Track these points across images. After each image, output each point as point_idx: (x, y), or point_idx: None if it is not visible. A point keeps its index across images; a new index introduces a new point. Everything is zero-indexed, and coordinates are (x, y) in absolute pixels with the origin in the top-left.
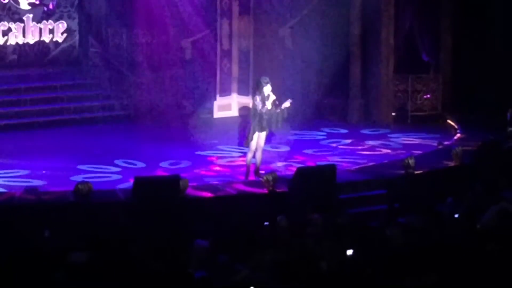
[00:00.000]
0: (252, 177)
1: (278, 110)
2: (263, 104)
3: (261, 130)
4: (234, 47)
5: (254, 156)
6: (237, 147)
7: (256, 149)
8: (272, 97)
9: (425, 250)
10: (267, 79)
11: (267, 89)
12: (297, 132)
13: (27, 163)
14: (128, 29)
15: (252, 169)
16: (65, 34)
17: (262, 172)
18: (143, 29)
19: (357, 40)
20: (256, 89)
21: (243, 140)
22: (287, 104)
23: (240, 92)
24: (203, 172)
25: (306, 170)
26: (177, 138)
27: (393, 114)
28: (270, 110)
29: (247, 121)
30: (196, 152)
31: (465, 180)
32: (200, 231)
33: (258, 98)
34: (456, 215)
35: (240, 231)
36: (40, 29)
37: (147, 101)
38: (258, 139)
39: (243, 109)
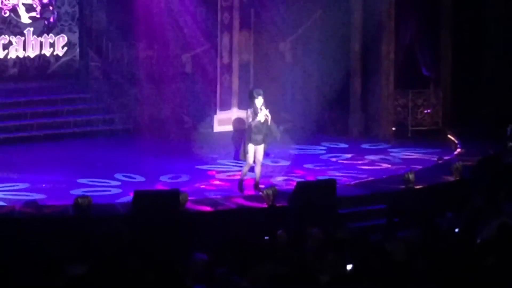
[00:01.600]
0: (250, 191)
1: (270, 124)
2: (254, 116)
3: (256, 143)
4: (234, 61)
5: (252, 170)
6: (236, 161)
7: (254, 163)
8: (265, 110)
9: (425, 264)
10: (260, 92)
11: (259, 101)
12: (297, 146)
13: (27, 177)
14: (129, 43)
15: (251, 183)
16: (65, 48)
17: (262, 186)
18: (144, 43)
19: (357, 55)
20: (250, 101)
21: (238, 153)
22: (279, 131)
23: (241, 107)
24: (202, 186)
25: (306, 185)
26: (177, 152)
27: (393, 128)
28: (262, 123)
29: (241, 134)
30: (196, 166)
31: (465, 195)
32: (199, 245)
33: (249, 111)
34: (456, 230)
35: (239, 245)
36: (41, 43)
37: (147, 115)
38: (256, 153)
39: (236, 122)
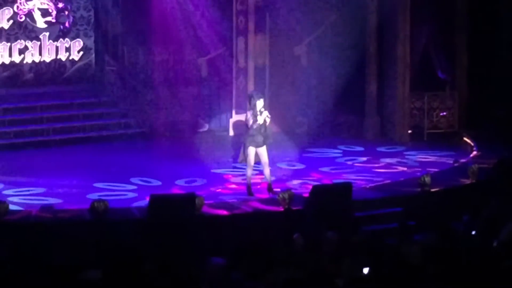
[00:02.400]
0: (264, 195)
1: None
2: (255, 119)
3: (256, 145)
4: (250, 65)
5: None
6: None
7: (262, 165)
8: (265, 113)
9: (441, 268)
10: (260, 94)
11: (260, 104)
12: (313, 149)
13: (43, 181)
14: (144, 47)
15: (263, 186)
16: (81, 52)
17: (278, 190)
18: (159, 47)
19: (373, 58)
20: (249, 104)
21: (237, 157)
22: (271, 137)
23: None
24: (218, 190)
25: (322, 188)
26: (192, 156)
27: (409, 131)
28: (261, 125)
29: (240, 137)
30: (211, 170)
31: (481, 198)
32: (215, 249)
33: (249, 113)
34: (473, 233)
35: (255, 249)
36: (57, 47)
37: (163, 119)
38: (260, 155)
39: (235, 125)
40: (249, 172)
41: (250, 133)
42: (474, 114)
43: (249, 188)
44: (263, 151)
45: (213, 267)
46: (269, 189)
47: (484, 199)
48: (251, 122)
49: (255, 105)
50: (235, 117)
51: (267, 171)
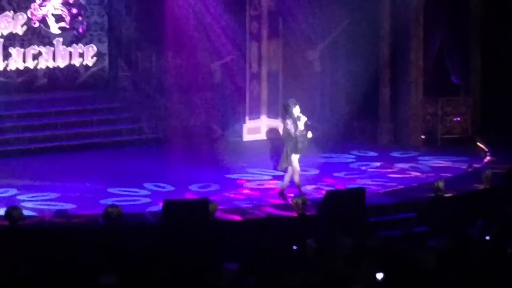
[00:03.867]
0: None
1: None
2: (296, 126)
3: (296, 152)
4: (263, 70)
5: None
6: (266, 170)
7: (289, 170)
8: (303, 118)
9: (456, 272)
10: (294, 100)
11: (297, 110)
12: (326, 155)
13: (57, 186)
14: (158, 52)
15: (295, 191)
16: (95, 58)
17: (291, 195)
18: (173, 52)
19: (386, 63)
20: (285, 113)
21: (277, 164)
22: (309, 134)
23: (270, 115)
24: (232, 195)
25: (335, 193)
26: (206, 161)
27: (423, 136)
28: (303, 131)
29: (277, 144)
30: (225, 175)
31: (496, 203)
32: (229, 254)
33: (289, 121)
34: (487, 238)
35: (269, 254)
36: (70, 53)
37: (176, 124)
38: (294, 161)
39: (272, 132)
40: (297, 178)
41: (294, 141)
42: (488, 119)
43: (299, 190)
44: (296, 158)
45: (227, 272)
46: (281, 194)
47: (498, 204)
48: (293, 130)
49: (292, 112)
50: (250, 123)
51: (288, 177)
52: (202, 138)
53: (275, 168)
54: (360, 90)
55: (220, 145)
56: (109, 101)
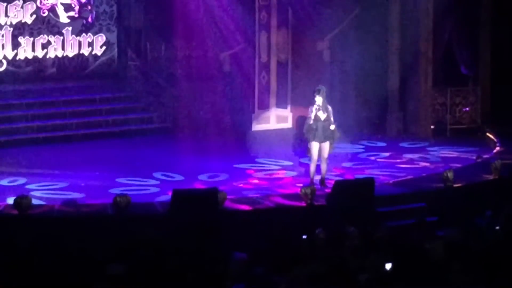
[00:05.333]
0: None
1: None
2: (315, 114)
3: (319, 140)
4: (272, 60)
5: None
6: (275, 160)
7: (320, 160)
8: (326, 107)
9: (464, 263)
10: (320, 89)
11: (318, 99)
12: (335, 145)
13: (66, 176)
14: (167, 42)
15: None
16: (104, 47)
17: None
18: (182, 42)
19: (395, 53)
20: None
21: (305, 151)
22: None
23: (279, 105)
24: (241, 185)
25: (344, 183)
26: (215, 151)
27: (432, 127)
28: (323, 121)
29: (302, 131)
30: (234, 165)
31: (505, 194)
32: (238, 244)
33: (311, 108)
34: (496, 228)
35: (278, 244)
36: (79, 42)
37: (185, 114)
38: (321, 150)
39: (299, 119)
40: (313, 166)
41: (310, 128)
42: (497, 109)
43: (312, 181)
44: (325, 146)
45: (236, 262)
46: (322, 182)
47: (507, 195)
48: (311, 116)
49: (315, 100)
50: (259, 113)
51: (323, 166)
52: (211, 127)
53: (302, 155)
54: (369, 80)
55: (229, 135)
56: (118, 91)
